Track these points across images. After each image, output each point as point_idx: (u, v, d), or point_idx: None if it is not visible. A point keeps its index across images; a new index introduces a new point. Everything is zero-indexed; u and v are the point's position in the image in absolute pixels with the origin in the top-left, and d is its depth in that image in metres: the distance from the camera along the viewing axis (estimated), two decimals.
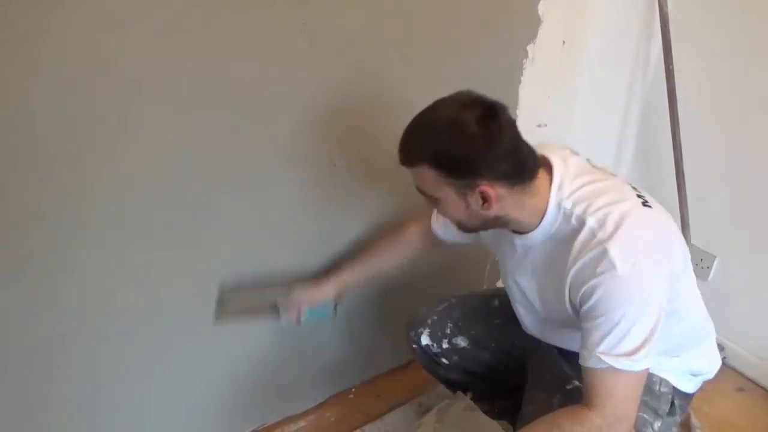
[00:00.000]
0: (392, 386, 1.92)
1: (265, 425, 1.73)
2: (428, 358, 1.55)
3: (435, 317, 1.52)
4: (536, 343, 1.41)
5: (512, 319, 1.44)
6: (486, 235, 1.33)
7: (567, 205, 1.10)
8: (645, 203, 1.10)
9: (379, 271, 1.53)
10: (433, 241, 1.49)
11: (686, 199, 1.98)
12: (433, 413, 1.41)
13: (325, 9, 1.27)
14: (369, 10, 1.34)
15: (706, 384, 1.92)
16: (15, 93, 1.01)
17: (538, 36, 1.70)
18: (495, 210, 1.09)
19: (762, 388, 2.01)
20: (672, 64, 1.90)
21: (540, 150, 1.14)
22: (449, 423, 1.38)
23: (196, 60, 1.16)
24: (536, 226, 1.14)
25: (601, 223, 1.05)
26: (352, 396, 1.89)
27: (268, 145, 1.34)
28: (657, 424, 1.27)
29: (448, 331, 1.51)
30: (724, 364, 2.04)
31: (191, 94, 1.18)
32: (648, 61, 2.05)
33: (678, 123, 1.93)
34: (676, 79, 1.91)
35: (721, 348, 2.06)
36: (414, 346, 1.55)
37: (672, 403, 1.30)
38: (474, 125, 1.01)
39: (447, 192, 1.10)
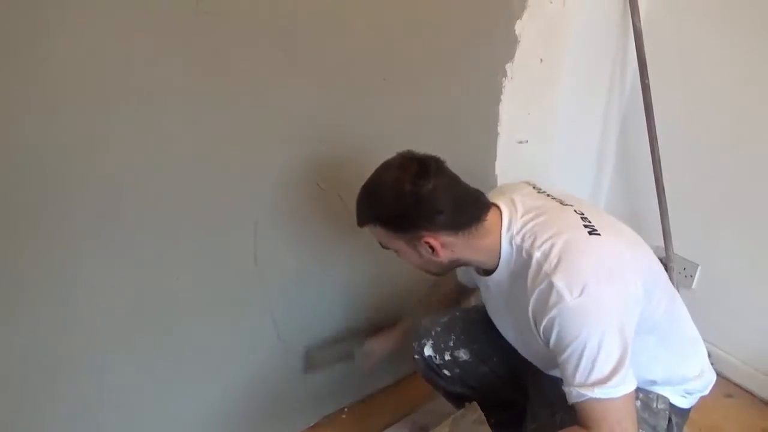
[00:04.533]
0: (385, 405, 1.93)
1: None
2: (430, 368, 1.57)
3: (439, 329, 1.54)
4: None
5: None
6: (467, 276, 1.48)
7: (517, 240, 1.15)
8: (592, 232, 1.12)
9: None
10: (462, 287, 1.62)
11: (667, 210, 2.01)
12: (448, 423, 1.39)
13: (309, 38, 1.31)
14: (351, 35, 1.38)
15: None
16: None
17: (516, 55, 1.74)
18: (446, 255, 1.19)
19: (750, 393, 2.03)
20: (647, 78, 1.95)
21: (494, 195, 1.25)
22: None
23: (189, 95, 1.20)
24: (497, 265, 1.20)
25: (546, 256, 1.09)
26: (344, 416, 1.89)
27: (258, 171, 1.37)
28: None
29: (451, 344, 1.52)
30: None
31: (186, 124, 1.22)
32: (624, 76, 2.10)
33: (656, 136, 1.97)
34: (652, 93, 1.96)
35: (708, 355, 2.09)
36: (416, 356, 1.56)
37: (669, 420, 1.31)
38: (409, 184, 1.11)
39: (399, 245, 1.21)
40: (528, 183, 1.32)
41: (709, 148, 1.98)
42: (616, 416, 1.05)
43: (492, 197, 1.25)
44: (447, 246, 1.17)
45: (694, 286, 2.11)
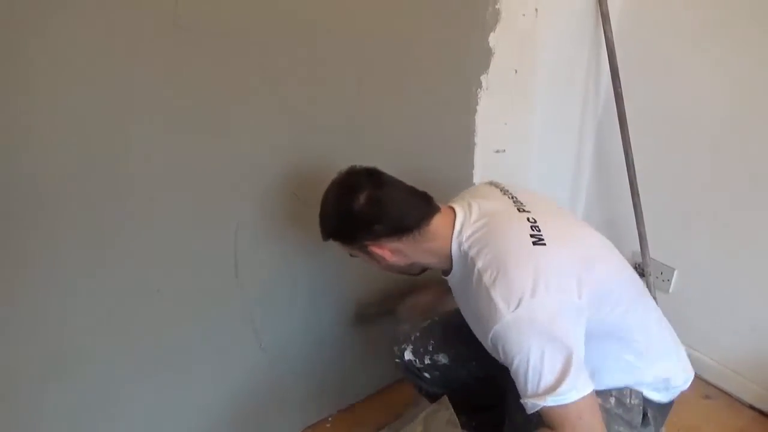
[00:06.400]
0: (369, 413, 1.94)
1: None
2: (411, 372, 1.60)
3: (418, 334, 1.58)
4: None
5: None
6: None
7: (465, 247, 1.19)
8: (538, 242, 1.14)
9: None
10: None
11: (642, 215, 2.05)
12: (420, 420, 1.40)
13: (284, 52, 1.34)
14: (326, 47, 1.40)
15: None
16: None
17: (491, 66, 1.78)
18: (399, 259, 1.25)
19: (727, 394, 2.06)
20: (620, 87, 1.99)
21: (456, 198, 1.31)
22: None
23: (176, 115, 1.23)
24: (452, 267, 1.24)
25: (486, 267, 1.13)
26: (329, 425, 1.91)
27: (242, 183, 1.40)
28: None
29: (430, 348, 1.56)
30: None
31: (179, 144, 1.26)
32: (598, 85, 2.14)
33: (630, 143, 2.01)
34: (625, 101, 2.00)
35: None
36: (397, 360, 1.60)
37: (645, 415, 1.32)
38: (344, 200, 1.19)
39: (356, 253, 1.28)
40: (494, 184, 1.35)
41: (682, 153, 2.02)
42: (576, 414, 1.07)
43: (453, 200, 1.29)
44: (396, 251, 1.23)
45: (671, 290, 2.15)
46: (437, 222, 1.22)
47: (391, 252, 1.22)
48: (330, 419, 1.92)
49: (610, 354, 1.23)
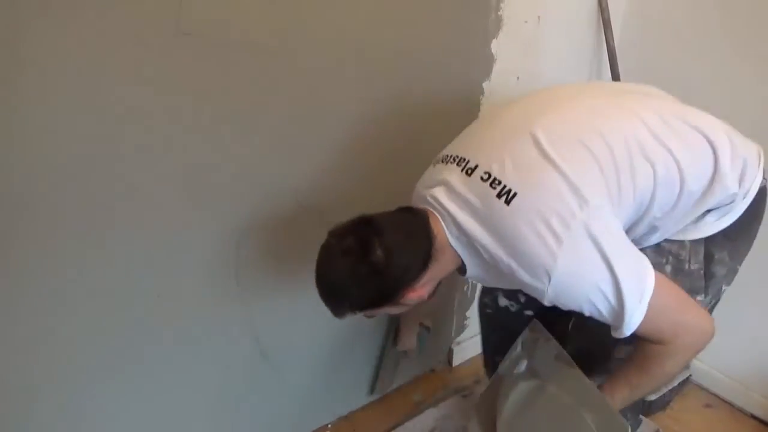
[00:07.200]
0: (368, 420, 1.94)
1: None
2: (502, 320, 1.48)
3: None
4: None
5: None
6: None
7: (463, 239, 1.13)
8: (508, 198, 1.04)
9: None
10: None
11: None
12: (520, 353, 1.29)
13: (286, 58, 1.33)
14: (327, 51, 1.40)
15: (676, 402, 1.98)
16: None
17: (493, 73, 1.78)
18: (430, 287, 1.17)
19: (728, 403, 2.05)
20: None
21: (417, 197, 1.23)
22: (549, 377, 1.27)
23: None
24: (464, 263, 1.18)
25: (496, 257, 1.08)
26: None
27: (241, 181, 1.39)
28: (701, 297, 1.28)
29: None
30: (690, 381, 2.10)
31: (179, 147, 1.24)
32: None
33: None
34: None
35: (686, 366, 2.11)
36: (489, 311, 1.51)
37: (705, 272, 1.26)
38: (364, 267, 1.06)
39: (386, 310, 1.19)
40: (436, 160, 1.26)
41: None
42: (664, 321, 1.08)
43: (417, 201, 1.23)
44: (427, 282, 1.15)
45: None
46: (434, 227, 1.14)
47: (424, 287, 1.15)
48: (329, 426, 1.91)
49: (677, 207, 1.14)
